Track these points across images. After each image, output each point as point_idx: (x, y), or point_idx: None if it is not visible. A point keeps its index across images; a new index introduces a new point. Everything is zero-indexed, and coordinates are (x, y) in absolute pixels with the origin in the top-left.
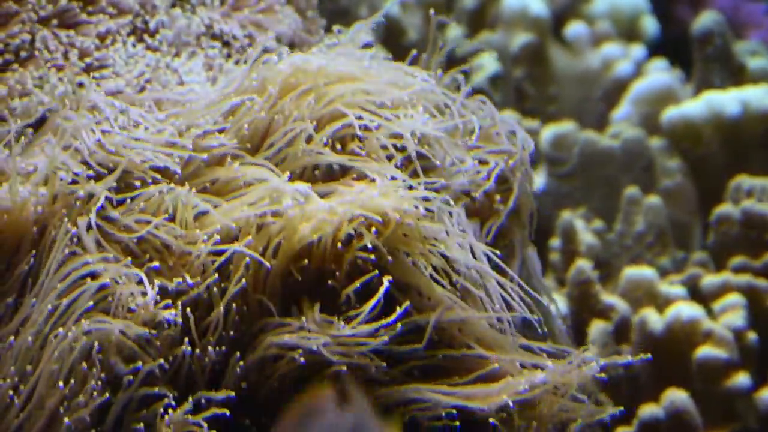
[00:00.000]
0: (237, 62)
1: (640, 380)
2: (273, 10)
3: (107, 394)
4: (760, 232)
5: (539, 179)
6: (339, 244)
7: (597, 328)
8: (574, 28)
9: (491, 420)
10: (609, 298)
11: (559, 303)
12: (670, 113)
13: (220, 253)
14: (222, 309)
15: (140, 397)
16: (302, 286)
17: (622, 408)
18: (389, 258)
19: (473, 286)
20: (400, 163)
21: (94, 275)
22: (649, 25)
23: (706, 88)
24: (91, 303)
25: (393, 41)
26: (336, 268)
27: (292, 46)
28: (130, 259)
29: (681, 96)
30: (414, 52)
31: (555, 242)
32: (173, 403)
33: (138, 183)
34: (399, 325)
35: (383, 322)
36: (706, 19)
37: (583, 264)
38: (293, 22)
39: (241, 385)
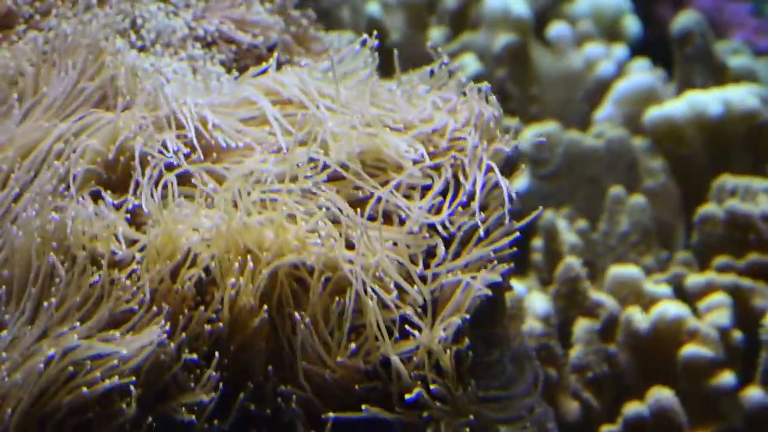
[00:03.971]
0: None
1: (625, 378)
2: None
3: None
4: (744, 231)
5: (522, 180)
6: None
7: (582, 326)
8: (557, 29)
9: None
10: (597, 295)
11: (541, 302)
12: (653, 113)
13: None
14: None
15: None
16: None
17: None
18: None
19: None
20: None
21: None
22: (632, 25)
23: (687, 87)
24: None
25: None
26: None
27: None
28: None
29: (663, 96)
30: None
31: (537, 242)
32: None
33: None
34: None
35: None
36: (685, 19)
37: (571, 261)
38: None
39: None
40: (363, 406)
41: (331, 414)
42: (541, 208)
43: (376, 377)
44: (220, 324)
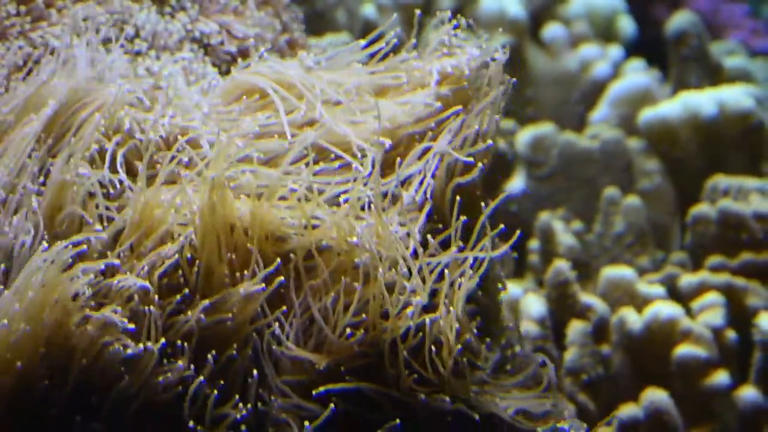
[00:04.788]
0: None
1: (619, 380)
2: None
3: None
4: (737, 231)
5: (518, 181)
6: None
7: (575, 328)
8: (552, 30)
9: None
10: (587, 298)
11: (537, 304)
12: (647, 115)
13: None
14: None
15: None
16: None
17: None
18: None
19: None
20: None
21: None
22: (626, 25)
23: (682, 88)
24: None
25: None
26: None
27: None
28: None
29: (659, 96)
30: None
31: (534, 244)
32: None
33: None
34: None
35: None
36: (680, 20)
37: (561, 265)
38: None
39: None
40: (346, 377)
41: (321, 388)
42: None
43: (367, 357)
44: (229, 315)
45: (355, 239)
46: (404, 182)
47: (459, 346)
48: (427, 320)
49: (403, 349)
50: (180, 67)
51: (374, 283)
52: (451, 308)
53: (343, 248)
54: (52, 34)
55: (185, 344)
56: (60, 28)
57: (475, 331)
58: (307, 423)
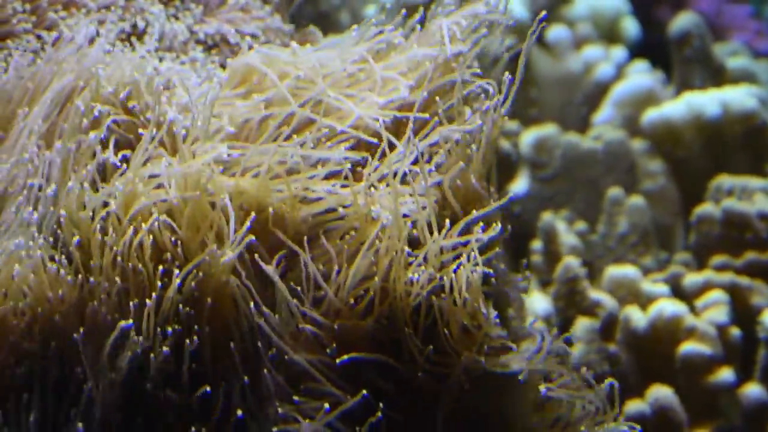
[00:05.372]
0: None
1: (625, 377)
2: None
3: None
4: (741, 230)
5: (522, 183)
6: None
7: (583, 325)
8: (556, 31)
9: None
10: (596, 294)
11: (543, 302)
12: (651, 115)
13: None
14: None
15: None
16: None
17: None
18: None
19: None
20: None
21: None
22: (630, 27)
23: (686, 89)
24: None
25: None
26: None
27: None
28: None
29: (662, 98)
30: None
31: (537, 244)
32: None
33: None
34: None
35: None
36: (683, 21)
37: (570, 261)
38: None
39: None
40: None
41: (345, 356)
42: None
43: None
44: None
45: (376, 211)
46: (416, 161)
47: (483, 322)
48: (451, 276)
49: (410, 327)
50: (189, 68)
51: (388, 247)
52: (475, 270)
53: (359, 219)
54: (65, 25)
55: (173, 328)
56: (69, 22)
57: (491, 312)
58: (327, 404)
